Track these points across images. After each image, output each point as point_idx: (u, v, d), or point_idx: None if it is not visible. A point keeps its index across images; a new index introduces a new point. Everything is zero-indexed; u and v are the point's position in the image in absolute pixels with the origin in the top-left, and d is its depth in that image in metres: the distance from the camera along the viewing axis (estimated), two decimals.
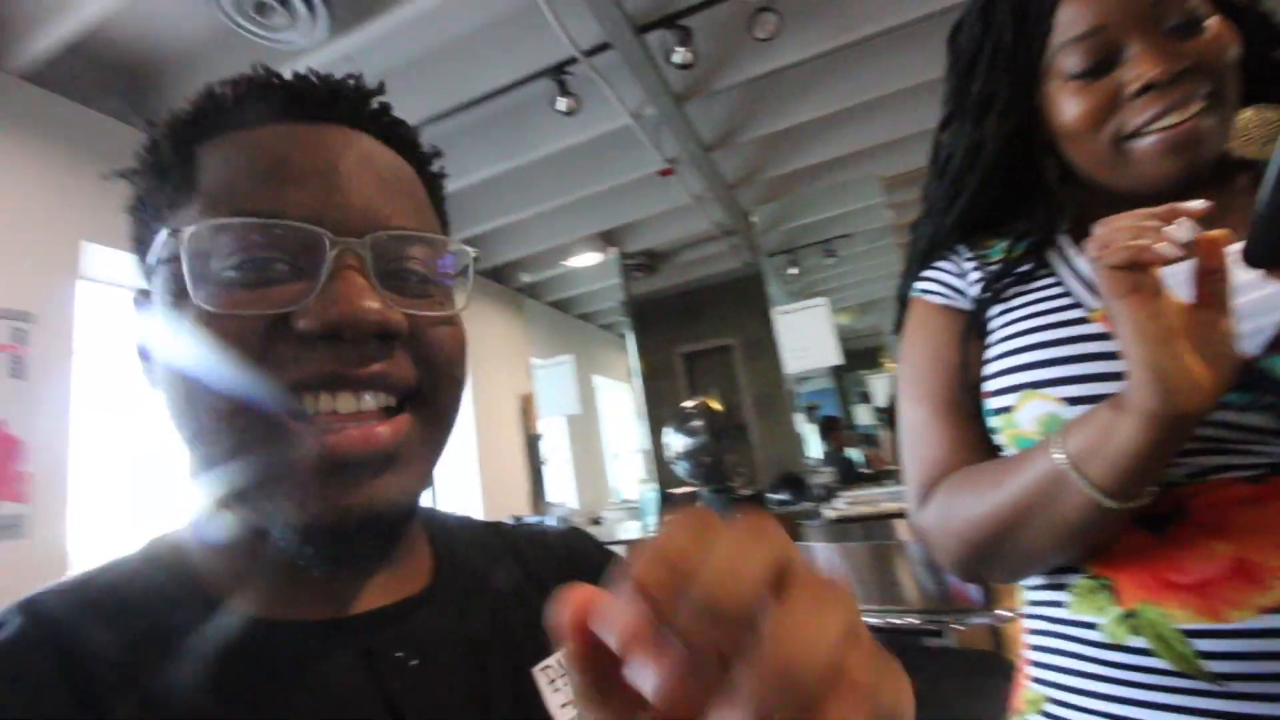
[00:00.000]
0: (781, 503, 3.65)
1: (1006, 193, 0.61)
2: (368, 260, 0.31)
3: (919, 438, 0.61)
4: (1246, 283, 0.45)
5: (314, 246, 0.30)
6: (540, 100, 2.84)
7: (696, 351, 6.09)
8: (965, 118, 0.61)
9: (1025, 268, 0.58)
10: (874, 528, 2.35)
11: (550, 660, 0.38)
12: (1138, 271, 0.39)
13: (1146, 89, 0.48)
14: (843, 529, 2.51)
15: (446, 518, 0.46)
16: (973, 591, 1.69)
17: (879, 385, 5.97)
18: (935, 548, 0.59)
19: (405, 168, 0.38)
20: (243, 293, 0.30)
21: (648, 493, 4.18)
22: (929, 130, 0.67)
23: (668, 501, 4.14)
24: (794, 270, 5.03)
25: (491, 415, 4.30)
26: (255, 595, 0.32)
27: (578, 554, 0.47)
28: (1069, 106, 0.54)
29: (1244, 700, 0.43)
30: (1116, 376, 0.48)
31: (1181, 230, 0.38)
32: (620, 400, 5.96)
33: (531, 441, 4.53)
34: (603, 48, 2.53)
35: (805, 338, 2.88)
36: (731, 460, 3.34)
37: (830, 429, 4.40)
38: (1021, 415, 0.53)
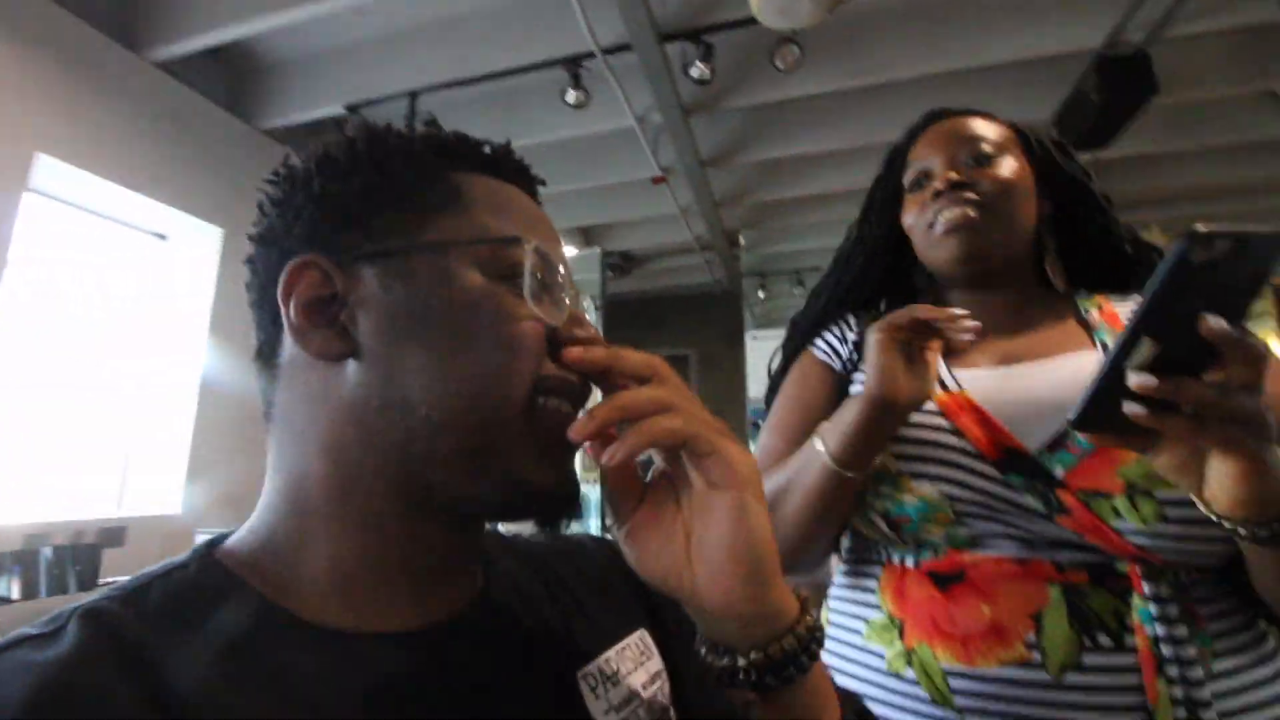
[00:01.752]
0: None
1: (889, 283, 0.82)
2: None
3: (766, 455, 0.75)
4: (1031, 397, 0.62)
5: (564, 288, 0.39)
6: (547, 88, 2.78)
7: None
8: (862, 216, 0.84)
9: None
10: None
11: (591, 667, 0.40)
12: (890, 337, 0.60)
13: (936, 195, 0.71)
14: None
15: None
16: None
17: None
18: None
19: None
20: (544, 300, 0.37)
21: (591, 488, 4.15)
22: None
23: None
24: (762, 294, 5.12)
25: None
26: (332, 606, 0.33)
27: (600, 555, 0.50)
28: (906, 211, 0.76)
29: None
30: (935, 444, 0.64)
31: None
32: None
33: None
34: (623, 48, 2.50)
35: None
36: None
37: None
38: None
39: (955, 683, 0.57)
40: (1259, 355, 0.40)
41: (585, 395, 0.38)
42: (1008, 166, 0.71)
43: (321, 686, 0.30)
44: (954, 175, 0.69)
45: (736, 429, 5.67)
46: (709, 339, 6.17)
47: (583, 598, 0.45)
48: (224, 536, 0.37)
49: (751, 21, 2.18)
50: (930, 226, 0.71)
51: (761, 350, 3.00)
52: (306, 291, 0.35)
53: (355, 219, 0.36)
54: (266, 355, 0.39)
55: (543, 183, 0.45)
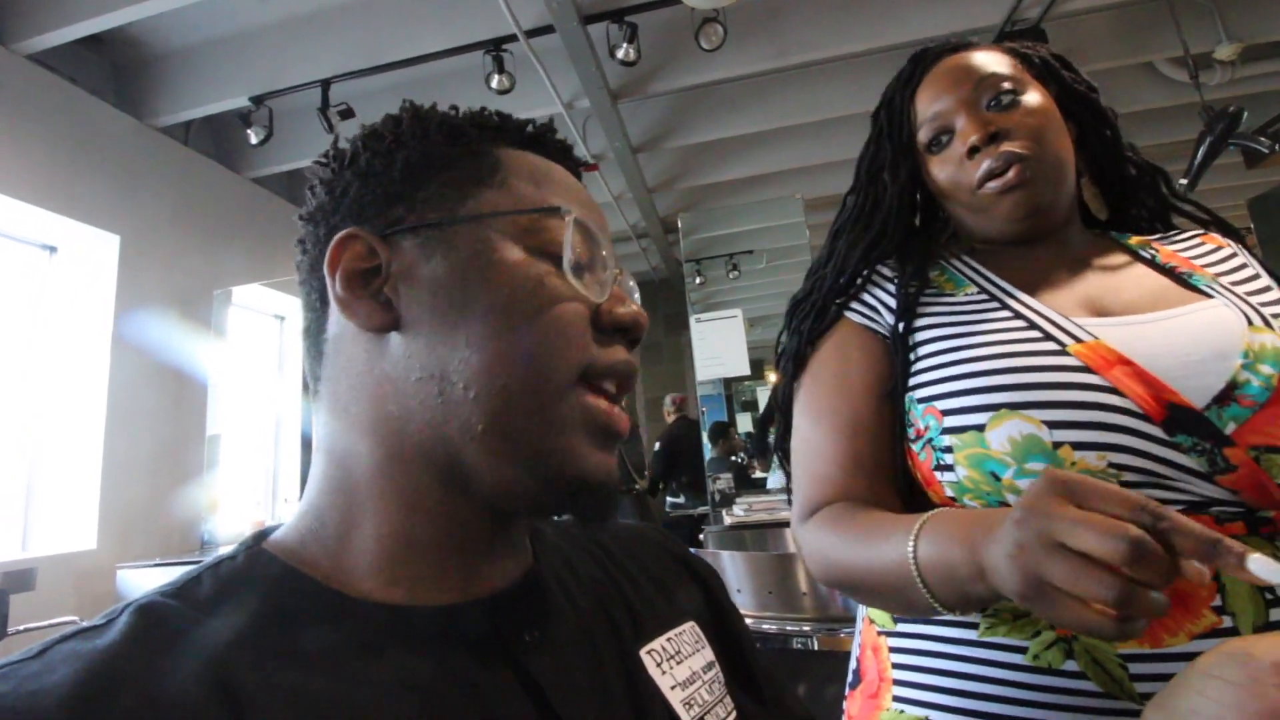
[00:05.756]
0: (678, 506, 3.71)
1: (919, 234, 0.73)
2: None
3: (814, 453, 0.65)
4: (1191, 342, 0.54)
5: (608, 264, 0.39)
6: (469, 74, 2.69)
7: None
8: (865, 180, 0.74)
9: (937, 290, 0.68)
10: (770, 535, 2.44)
11: (655, 644, 0.40)
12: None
13: (973, 151, 0.63)
14: (739, 536, 2.59)
15: None
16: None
17: (763, 396, 6.32)
18: (806, 560, 0.65)
19: None
20: (585, 276, 0.37)
21: None
22: (847, 159, 0.77)
23: None
24: (699, 280, 5.17)
25: None
26: (381, 584, 0.34)
27: (657, 546, 0.51)
28: (933, 174, 0.68)
29: None
30: (1095, 406, 0.53)
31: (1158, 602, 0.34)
32: None
33: None
34: (545, 30, 2.44)
35: (718, 347, 2.95)
36: (633, 460, 3.35)
37: (720, 435, 4.53)
38: (994, 434, 0.55)
39: (1137, 668, 0.49)
40: None
41: (632, 379, 0.38)
42: (1033, 100, 0.63)
43: (370, 658, 0.31)
44: (989, 128, 0.62)
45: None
46: (650, 329, 6.16)
47: (641, 583, 0.45)
48: (271, 530, 0.37)
49: (675, 0, 2.17)
50: (977, 188, 0.63)
51: (705, 332, 3.02)
52: (351, 263, 0.36)
53: (399, 193, 0.37)
54: (314, 334, 0.39)
55: (585, 164, 0.45)
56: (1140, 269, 0.64)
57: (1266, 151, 2.39)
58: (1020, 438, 0.54)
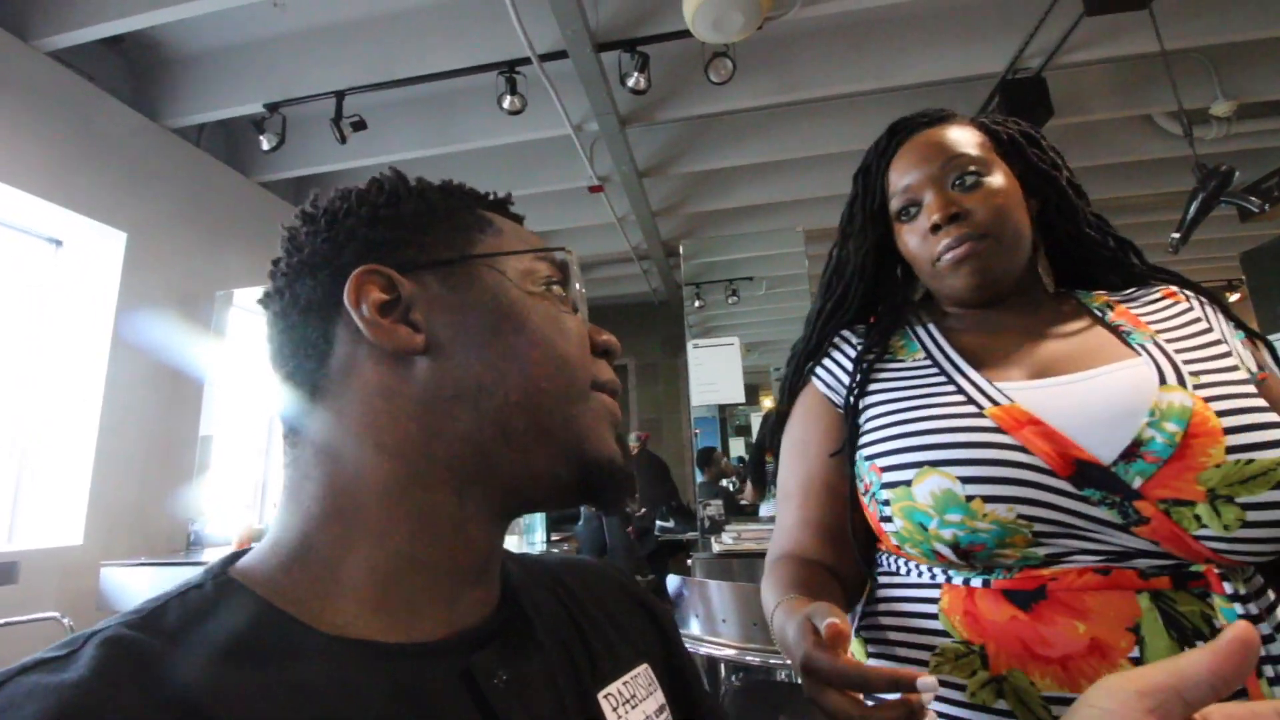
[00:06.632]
0: (667, 530, 3.69)
1: (881, 296, 0.79)
2: None
3: (781, 507, 0.74)
4: (1108, 408, 0.58)
5: (582, 302, 0.46)
6: (482, 93, 2.74)
7: None
8: (841, 239, 0.81)
9: (885, 354, 0.75)
10: (759, 565, 2.43)
11: (612, 688, 0.41)
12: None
13: (935, 228, 0.68)
14: (727, 565, 2.58)
15: None
16: None
17: (755, 420, 6.34)
18: None
19: None
20: (578, 308, 0.44)
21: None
22: (846, 194, 0.81)
23: (550, 520, 4.05)
24: (698, 303, 5.21)
25: None
26: (365, 611, 0.34)
27: (614, 585, 0.52)
28: (903, 242, 0.73)
29: None
30: (1004, 463, 0.58)
31: None
32: None
33: None
34: (559, 55, 2.49)
35: (714, 373, 2.96)
36: None
37: (707, 460, 4.50)
38: (919, 489, 0.60)
39: (1058, 710, 0.53)
40: None
41: (618, 391, 0.44)
42: (996, 182, 0.69)
43: (346, 700, 0.31)
44: (951, 209, 0.67)
45: (677, 439, 5.68)
46: (647, 349, 6.22)
47: (598, 620, 0.46)
48: (237, 555, 0.37)
49: (686, 34, 2.22)
50: (936, 261, 0.69)
51: (702, 359, 3.04)
52: (376, 295, 0.37)
53: (407, 238, 0.40)
54: (309, 371, 0.38)
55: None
56: (1093, 328, 0.68)
57: (1256, 210, 2.44)
58: (940, 492, 0.59)
